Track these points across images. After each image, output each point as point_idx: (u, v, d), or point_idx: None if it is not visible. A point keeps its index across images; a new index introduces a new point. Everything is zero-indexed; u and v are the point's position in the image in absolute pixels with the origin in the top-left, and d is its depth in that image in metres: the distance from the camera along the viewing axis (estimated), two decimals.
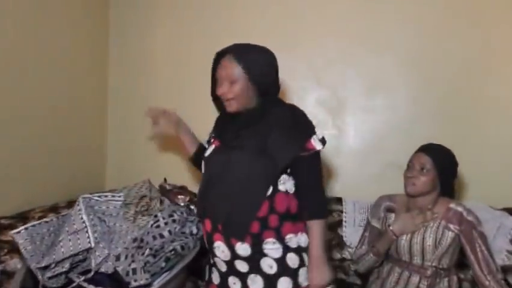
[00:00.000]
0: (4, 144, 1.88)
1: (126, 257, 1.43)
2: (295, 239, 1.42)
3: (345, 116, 2.49)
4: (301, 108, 2.36)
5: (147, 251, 1.47)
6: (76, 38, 2.36)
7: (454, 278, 1.75)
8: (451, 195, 1.78)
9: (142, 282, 1.41)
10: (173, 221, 1.61)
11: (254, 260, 1.39)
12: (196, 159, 1.64)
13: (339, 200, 2.34)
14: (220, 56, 1.45)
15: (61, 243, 1.43)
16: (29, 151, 2.03)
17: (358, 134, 2.48)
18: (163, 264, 1.51)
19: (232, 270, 1.42)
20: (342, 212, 2.29)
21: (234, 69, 1.40)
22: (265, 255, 1.39)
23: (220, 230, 1.40)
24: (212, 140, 1.56)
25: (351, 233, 2.23)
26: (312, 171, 1.45)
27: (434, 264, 1.71)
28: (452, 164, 1.78)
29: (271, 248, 1.39)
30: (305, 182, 1.44)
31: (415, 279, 1.72)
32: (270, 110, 1.45)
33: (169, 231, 1.57)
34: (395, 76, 2.43)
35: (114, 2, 2.68)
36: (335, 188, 2.45)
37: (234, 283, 1.43)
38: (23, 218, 1.80)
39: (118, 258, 1.43)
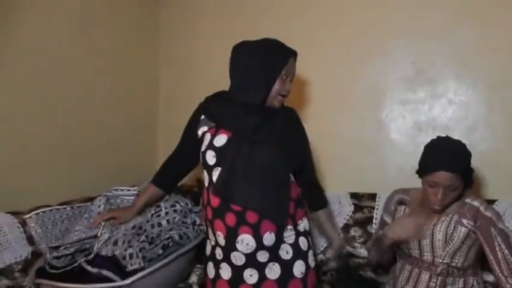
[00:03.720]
0: (54, 137, 2.05)
1: (123, 242, 1.55)
2: (302, 224, 1.54)
3: (384, 109, 2.38)
4: (341, 101, 2.40)
5: (142, 238, 1.58)
6: (128, 39, 2.55)
7: (470, 280, 1.58)
8: (470, 186, 1.61)
9: (136, 266, 1.52)
10: (175, 211, 1.70)
11: (275, 248, 1.46)
12: (163, 184, 1.69)
13: (372, 196, 2.25)
14: (290, 55, 1.50)
15: (76, 232, 1.61)
16: (79, 146, 2.19)
17: (398, 128, 2.36)
18: (160, 251, 1.60)
19: (251, 262, 1.44)
20: (373, 208, 2.20)
21: (295, 70, 1.53)
22: (284, 242, 1.48)
23: (248, 222, 1.41)
24: (213, 128, 1.51)
25: None
26: (314, 168, 1.67)
27: (445, 261, 1.57)
28: (469, 160, 1.59)
29: (289, 234, 1.48)
30: (313, 177, 1.67)
31: (425, 276, 1.60)
32: (281, 109, 1.55)
33: (167, 221, 1.67)
34: (440, 67, 2.26)
35: (164, 5, 2.83)
36: (373, 184, 2.35)
37: (251, 275, 1.44)
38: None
39: (116, 242, 1.54)
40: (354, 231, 2.17)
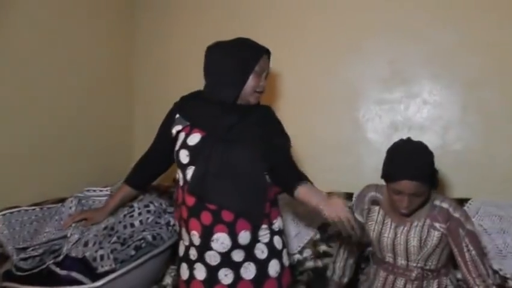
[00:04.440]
0: (26, 136, 1.98)
1: (94, 244, 1.51)
2: (277, 223, 1.54)
3: (361, 109, 2.38)
4: (317, 101, 2.39)
5: (114, 239, 1.54)
6: (103, 39, 2.50)
7: (443, 280, 1.59)
8: (435, 185, 1.59)
9: (107, 267, 1.48)
10: (148, 211, 1.67)
11: (250, 247, 1.45)
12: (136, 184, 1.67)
13: (349, 196, 2.24)
14: (263, 52, 1.50)
15: (45, 234, 1.56)
16: (52, 146, 2.12)
17: (374, 128, 2.37)
18: (133, 253, 1.57)
19: (226, 261, 1.44)
20: (350, 208, 2.20)
21: (269, 68, 1.53)
22: (258, 241, 1.47)
23: (224, 221, 1.41)
24: (187, 127, 1.51)
25: None
26: (293, 161, 1.57)
27: (419, 265, 1.56)
28: (433, 162, 1.55)
29: (263, 234, 1.48)
30: (289, 161, 1.53)
31: (400, 282, 1.60)
32: (256, 107, 1.55)
33: (140, 221, 1.64)
34: (416, 67, 2.28)
35: (140, 6, 2.79)
36: (349, 184, 2.34)
37: (226, 275, 1.43)
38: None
39: (86, 243, 1.51)
40: (331, 231, 2.16)
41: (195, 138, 1.46)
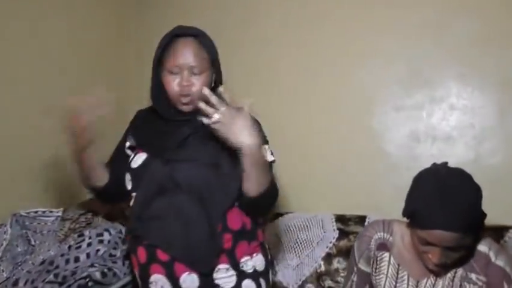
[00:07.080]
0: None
1: (26, 283, 1.22)
2: (250, 263, 1.21)
3: (375, 116, 2.05)
4: (325, 108, 2.07)
5: (50, 277, 1.24)
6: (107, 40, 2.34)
7: None
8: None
9: None
10: (100, 241, 1.37)
11: None
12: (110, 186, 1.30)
13: (361, 220, 1.89)
14: (174, 38, 1.19)
15: None
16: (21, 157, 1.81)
17: (392, 138, 2.02)
18: None
19: None
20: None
21: (201, 57, 1.18)
22: (217, 285, 1.15)
23: (159, 260, 1.13)
24: (133, 148, 1.29)
25: None
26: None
27: None
28: (480, 201, 1.11)
29: (224, 276, 1.16)
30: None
31: None
32: None
33: (87, 254, 1.33)
34: (439, 67, 1.94)
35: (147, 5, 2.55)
36: (360, 204, 1.99)
37: None
38: None
39: (16, 283, 1.23)
40: (338, 263, 1.82)
41: (138, 160, 1.21)
